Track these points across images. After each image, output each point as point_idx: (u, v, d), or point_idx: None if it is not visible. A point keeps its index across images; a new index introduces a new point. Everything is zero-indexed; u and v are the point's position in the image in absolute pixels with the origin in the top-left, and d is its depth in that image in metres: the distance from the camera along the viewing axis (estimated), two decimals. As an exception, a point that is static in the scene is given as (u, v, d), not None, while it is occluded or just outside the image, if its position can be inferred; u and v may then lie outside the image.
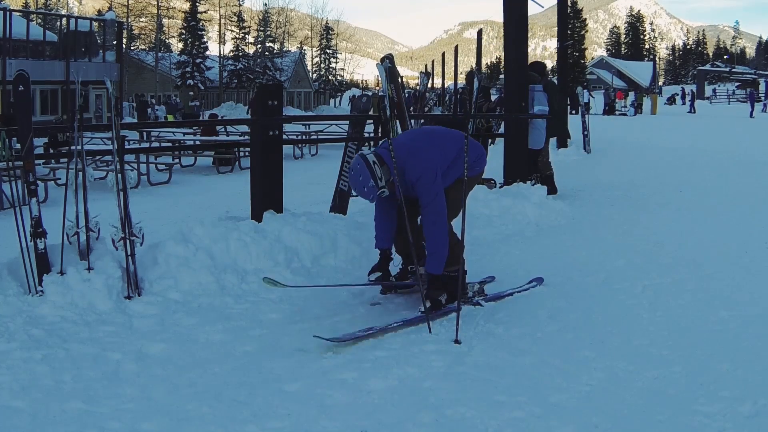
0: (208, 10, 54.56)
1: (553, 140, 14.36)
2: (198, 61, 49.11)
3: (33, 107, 24.09)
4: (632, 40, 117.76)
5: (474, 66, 17.34)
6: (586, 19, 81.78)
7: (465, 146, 4.51)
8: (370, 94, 31.69)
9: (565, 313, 4.45)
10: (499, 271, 5.49)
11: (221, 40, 55.69)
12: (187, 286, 4.74)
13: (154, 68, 46.92)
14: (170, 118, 33.28)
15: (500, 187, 7.84)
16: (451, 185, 4.57)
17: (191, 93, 44.88)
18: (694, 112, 41.02)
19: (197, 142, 16.67)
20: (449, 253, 4.48)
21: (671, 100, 58.54)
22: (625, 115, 39.06)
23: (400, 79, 6.89)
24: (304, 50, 62.90)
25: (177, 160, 14.90)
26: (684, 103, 55.16)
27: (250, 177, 6.29)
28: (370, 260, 4.94)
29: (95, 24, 37.22)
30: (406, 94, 9.45)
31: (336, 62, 67.72)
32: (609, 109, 40.05)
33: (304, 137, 18.40)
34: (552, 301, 4.72)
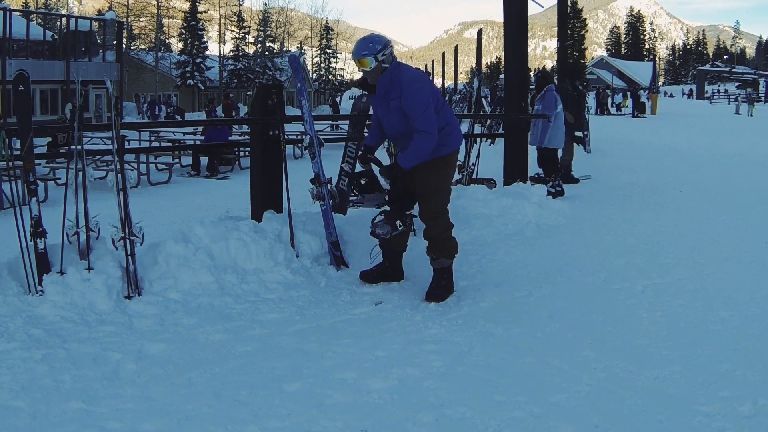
0: (208, 10, 54.63)
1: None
2: (198, 61, 49.15)
3: (33, 107, 24.08)
4: (632, 40, 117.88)
5: (474, 66, 17.35)
6: (586, 19, 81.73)
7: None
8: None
9: (565, 313, 4.45)
10: (500, 271, 5.49)
11: (221, 40, 55.74)
12: (187, 286, 4.74)
13: (154, 68, 46.93)
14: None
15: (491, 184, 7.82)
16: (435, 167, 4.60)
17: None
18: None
19: (197, 143, 16.67)
20: (444, 244, 4.66)
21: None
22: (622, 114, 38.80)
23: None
24: (304, 50, 62.95)
25: (177, 160, 14.92)
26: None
27: (250, 177, 6.30)
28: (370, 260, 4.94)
29: (95, 24, 37.26)
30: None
31: (336, 62, 67.76)
32: (601, 109, 39.93)
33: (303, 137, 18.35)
34: (552, 301, 4.72)
